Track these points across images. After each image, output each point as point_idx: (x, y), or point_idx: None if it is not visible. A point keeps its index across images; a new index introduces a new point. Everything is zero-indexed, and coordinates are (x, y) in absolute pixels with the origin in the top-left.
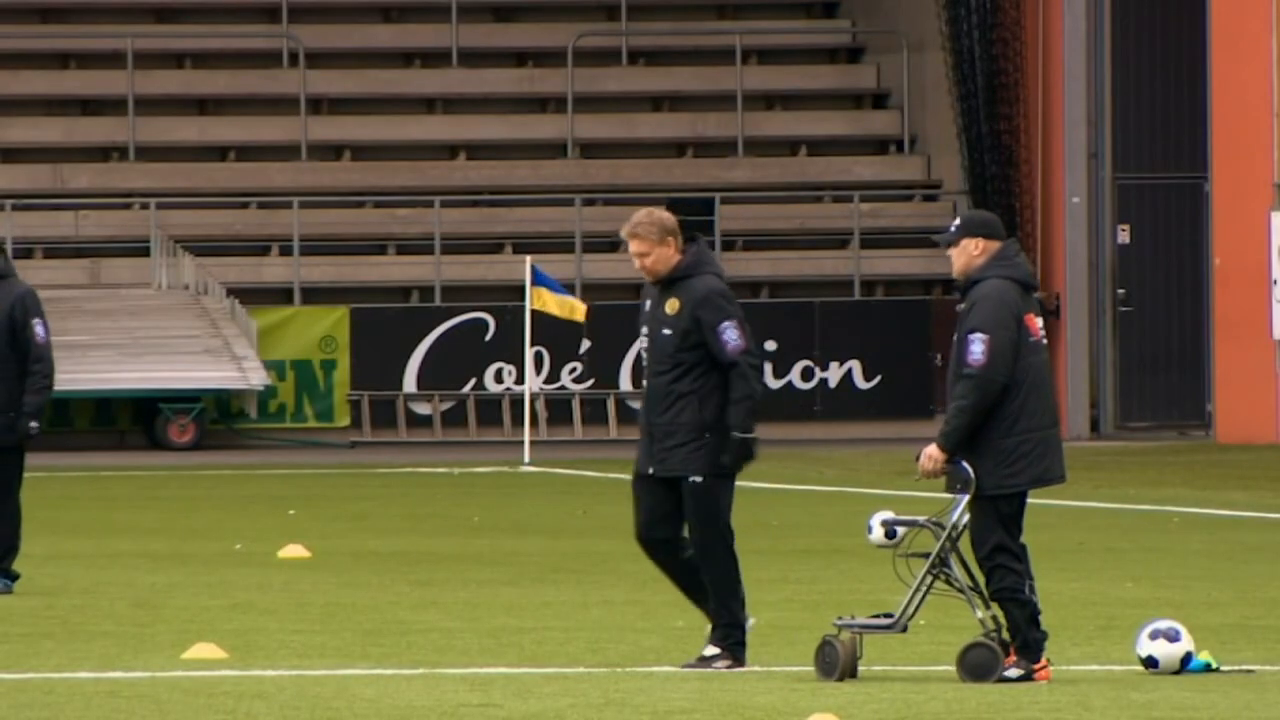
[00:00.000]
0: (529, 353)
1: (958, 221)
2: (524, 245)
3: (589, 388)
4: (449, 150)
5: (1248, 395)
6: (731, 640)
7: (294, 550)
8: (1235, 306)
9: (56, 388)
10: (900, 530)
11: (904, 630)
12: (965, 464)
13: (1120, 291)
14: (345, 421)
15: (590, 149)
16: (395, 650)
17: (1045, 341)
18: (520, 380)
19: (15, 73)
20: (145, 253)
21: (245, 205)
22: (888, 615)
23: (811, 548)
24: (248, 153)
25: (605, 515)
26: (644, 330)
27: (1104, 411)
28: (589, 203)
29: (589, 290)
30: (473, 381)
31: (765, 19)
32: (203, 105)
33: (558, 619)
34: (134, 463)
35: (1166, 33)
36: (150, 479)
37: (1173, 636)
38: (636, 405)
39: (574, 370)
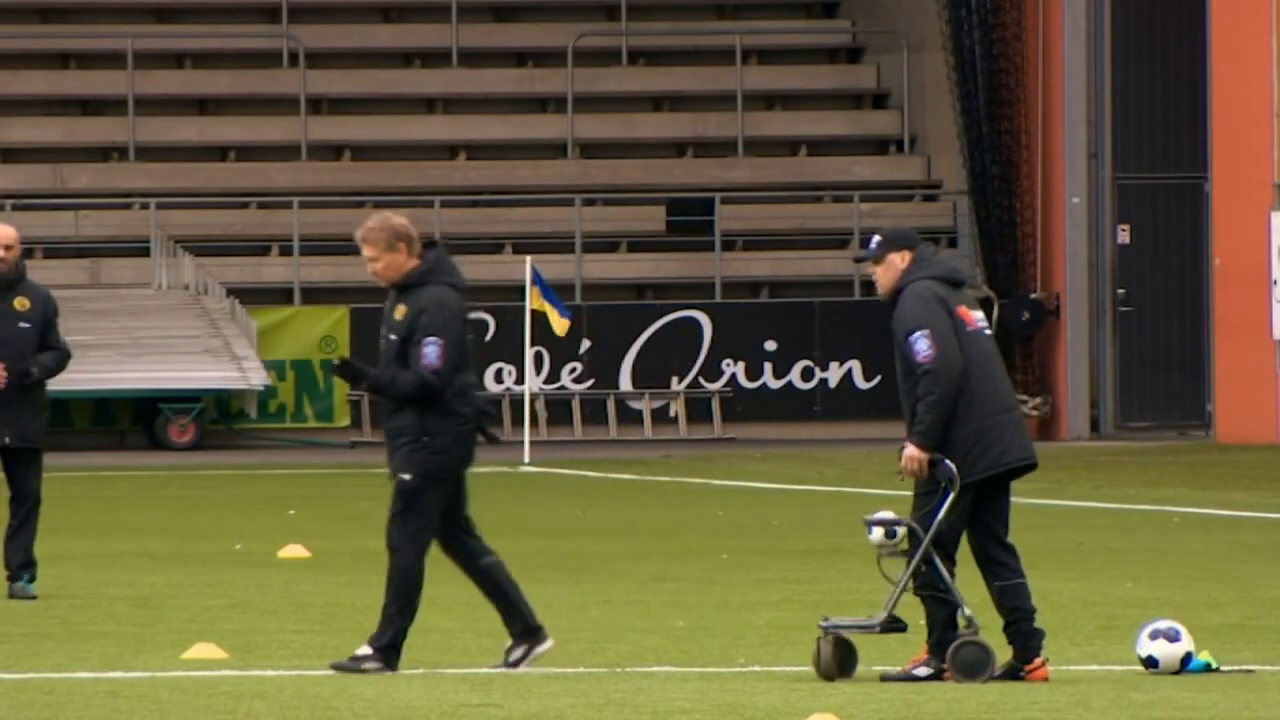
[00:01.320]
0: (529, 353)
1: (878, 238)
2: (524, 245)
3: (589, 388)
4: (449, 150)
5: (1248, 395)
6: (386, 643)
7: (294, 550)
8: (1235, 306)
9: (56, 387)
10: (900, 530)
11: (902, 630)
12: (948, 461)
13: (1120, 291)
14: (345, 421)
15: (590, 149)
16: None
17: (988, 330)
18: (520, 380)
19: (15, 73)
20: (145, 253)
21: (245, 205)
22: (894, 618)
23: (811, 548)
24: (248, 153)
25: (605, 515)
26: (382, 333)
27: (1104, 411)
28: (589, 203)
29: (589, 290)
30: None
31: (765, 19)
32: (203, 105)
33: (558, 619)
34: (134, 463)
35: (1166, 33)
36: (150, 479)
37: (1173, 636)
38: (637, 406)
39: (574, 370)
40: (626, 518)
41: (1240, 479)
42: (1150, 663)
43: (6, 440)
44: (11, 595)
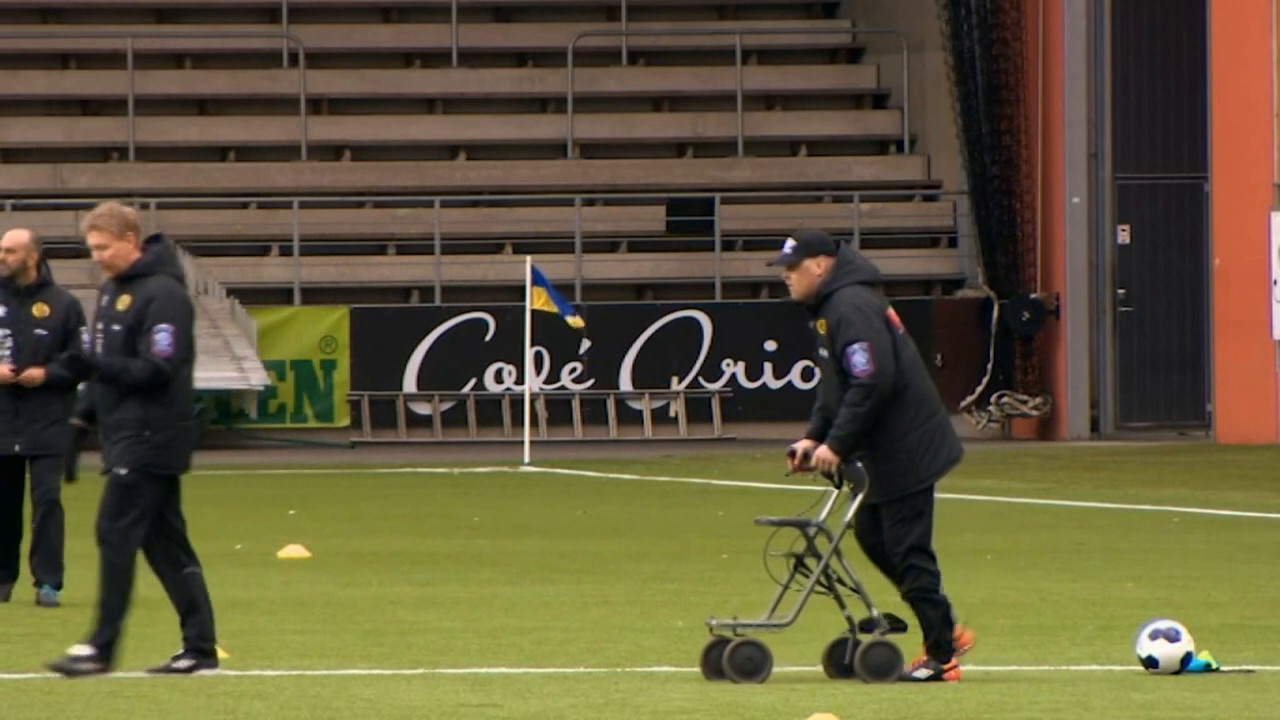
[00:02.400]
0: (529, 353)
1: (793, 243)
2: (524, 245)
3: (589, 388)
4: (449, 150)
5: (1248, 395)
6: (105, 641)
7: (294, 550)
8: (1235, 306)
9: None
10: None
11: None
12: (859, 465)
13: (1120, 291)
14: (345, 421)
15: (590, 149)
16: (395, 650)
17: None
18: (520, 380)
19: (15, 73)
20: None
21: (245, 205)
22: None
23: None
24: (248, 153)
25: (605, 515)
26: (98, 326)
27: (1104, 411)
28: (589, 203)
29: (589, 290)
30: (473, 381)
31: (765, 19)
32: (203, 105)
33: (558, 619)
34: None
35: (1166, 33)
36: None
37: (1173, 636)
38: (637, 406)
39: (574, 370)
40: (626, 518)
41: (1240, 479)
42: (1150, 663)
43: (17, 448)
44: (37, 602)
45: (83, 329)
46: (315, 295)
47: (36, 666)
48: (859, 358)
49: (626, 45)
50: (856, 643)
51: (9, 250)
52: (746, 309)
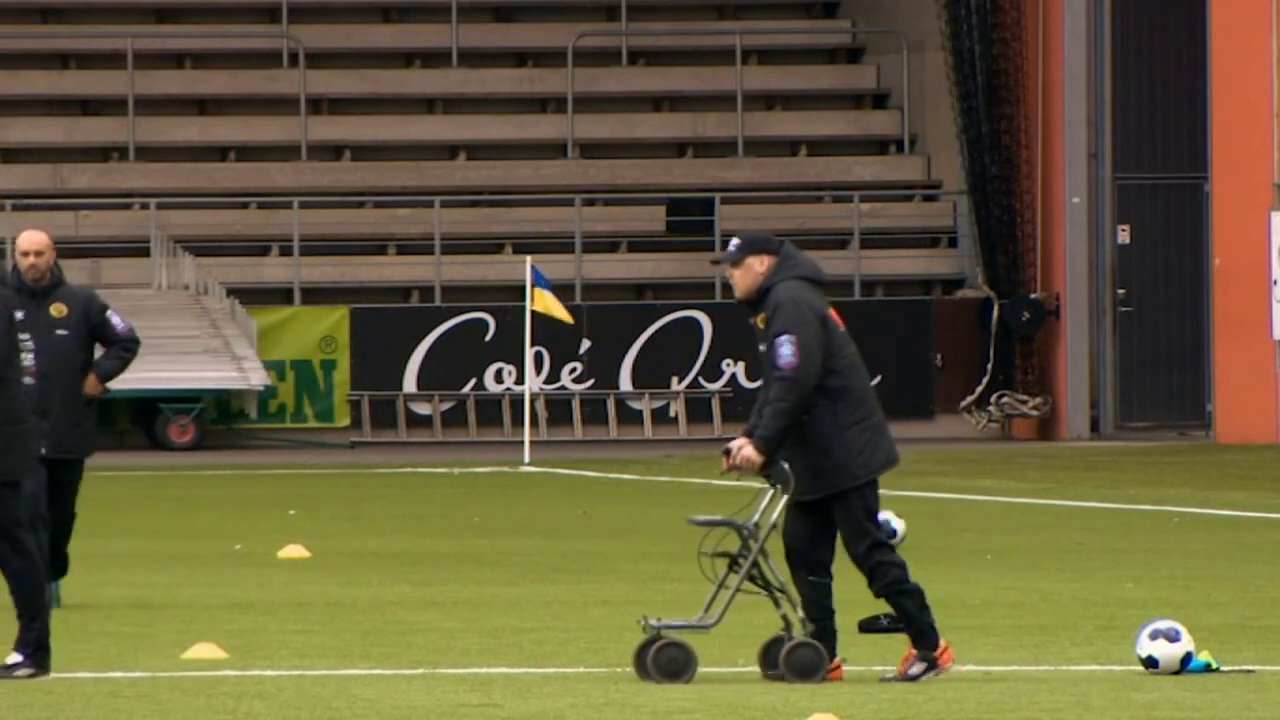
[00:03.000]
0: (529, 353)
1: (737, 241)
2: (524, 245)
3: (589, 388)
4: (449, 150)
5: (1248, 395)
6: (35, 645)
7: (294, 550)
8: (1235, 306)
9: None
10: (899, 528)
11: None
12: (784, 464)
13: (1120, 291)
14: (345, 421)
15: (590, 149)
16: (395, 650)
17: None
18: (520, 380)
19: (15, 73)
20: (145, 253)
21: (245, 205)
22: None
23: None
24: (248, 153)
25: (605, 515)
26: None
27: (1104, 411)
28: (589, 203)
29: (589, 290)
30: (473, 381)
31: (765, 19)
32: (203, 105)
33: (558, 619)
34: (134, 463)
35: (1166, 33)
36: (150, 479)
37: (1173, 636)
38: (637, 406)
39: (574, 370)
40: (626, 518)
41: (1240, 479)
42: (1150, 663)
43: (43, 451)
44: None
45: (109, 313)
46: (315, 295)
47: None
48: (784, 349)
49: (626, 45)
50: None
51: (38, 253)
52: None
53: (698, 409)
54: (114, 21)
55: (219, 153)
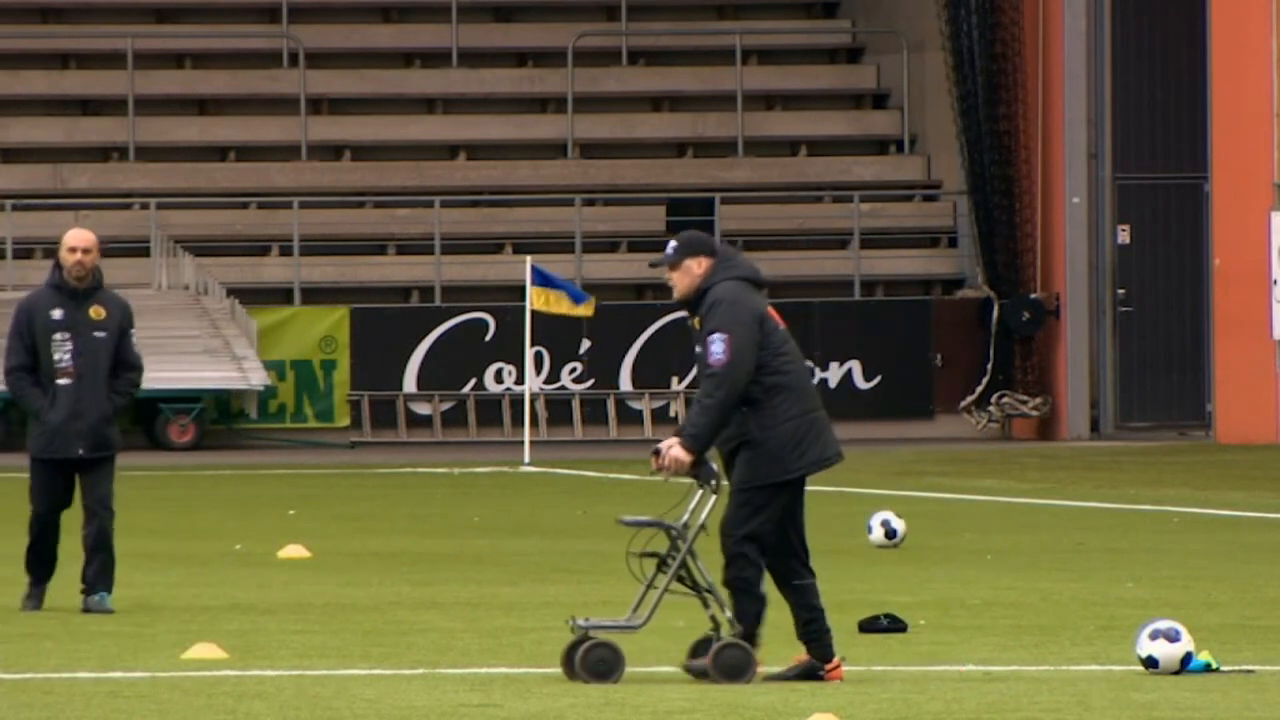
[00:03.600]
0: (529, 353)
1: (675, 243)
2: (524, 245)
3: (589, 388)
4: (449, 150)
5: (1248, 395)
6: None
7: (294, 550)
8: (1235, 306)
9: None
10: (900, 528)
11: (902, 630)
12: (712, 464)
13: (1120, 291)
14: (345, 421)
15: (590, 149)
16: (395, 650)
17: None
18: (520, 380)
19: (15, 73)
20: (145, 253)
21: (245, 205)
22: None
23: (811, 548)
24: (248, 153)
25: (605, 515)
26: None
27: (1104, 411)
28: (589, 203)
29: (589, 290)
30: (473, 381)
31: (765, 19)
32: (203, 105)
33: (558, 619)
34: (134, 463)
35: (1166, 33)
36: (150, 479)
37: (1173, 636)
38: (637, 406)
39: (574, 370)
40: None
41: (1240, 479)
42: (1150, 663)
43: (80, 452)
44: (85, 609)
45: (132, 331)
46: (315, 295)
47: (36, 666)
48: (716, 347)
49: (626, 45)
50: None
51: (85, 250)
52: None
53: None
54: (114, 21)
55: (219, 153)
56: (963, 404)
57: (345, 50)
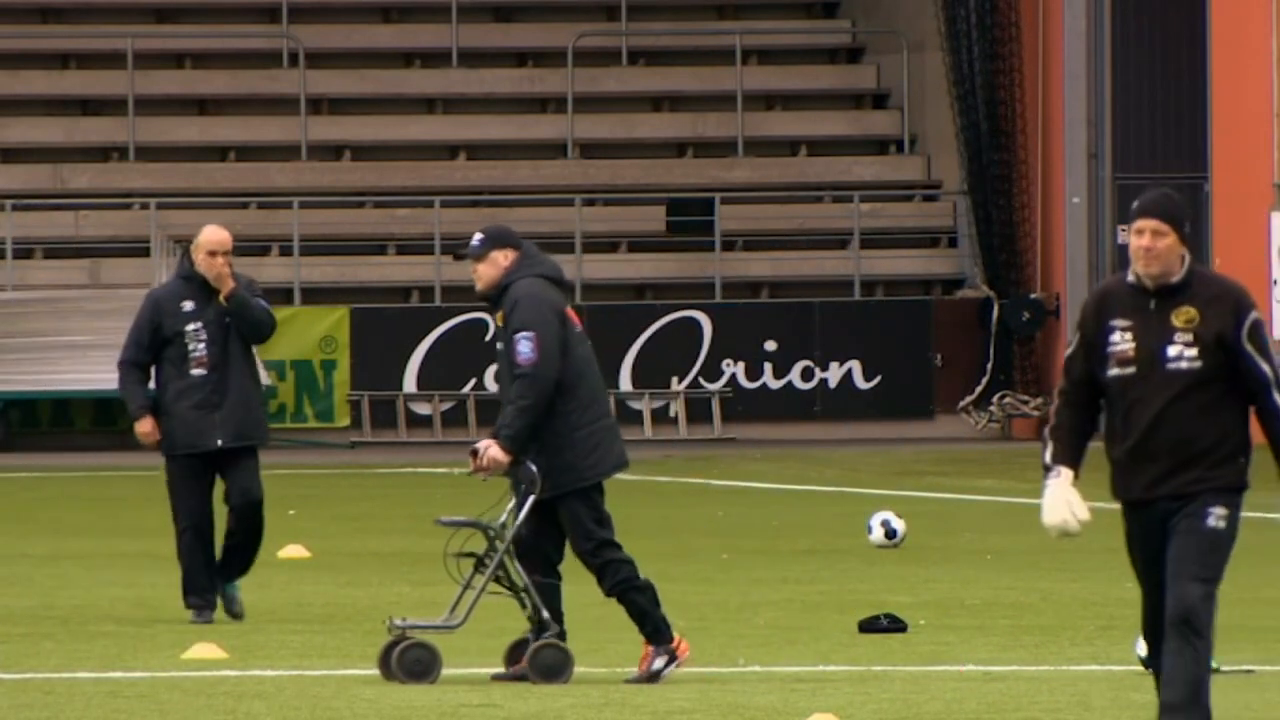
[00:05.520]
0: None
1: (481, 235)
2: None
3: None
4: (449, 150)
5: None
6: None
7: (294, 550)
8: None
9: (56, 387)
10: (900, 528)
11: (902, 630)
12: (531, 464)
13: None
14: (345, 421)
15: (590, 149)
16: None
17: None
18: None
19: (15, 73)
20: (145, 253)
21: (245, 205)
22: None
23: (811, 548)
24: (248, 153)
25: None
26: None
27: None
28: (589, 203)
29: (589, 290)
30: (473, 381)
31: (765, 19)
32: (203, 105)
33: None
34: (134, 463)
35: (1166, 33)
36: (150, 479)
37: None
38: (637, 406)
39: None
40: (626, 518)
41: None
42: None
43: (219, 442)
44: (231, 611)
45: (260, 295)
46: (315, 295)
47: (36, 666)
48: (524, 346)
49: (626, 45)
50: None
51: (225, 252)
52: (746, 309)
53: (698, 409)
54: (114, 21)
55: (219, 153)
56: (962, 404)
57: (345, 50)
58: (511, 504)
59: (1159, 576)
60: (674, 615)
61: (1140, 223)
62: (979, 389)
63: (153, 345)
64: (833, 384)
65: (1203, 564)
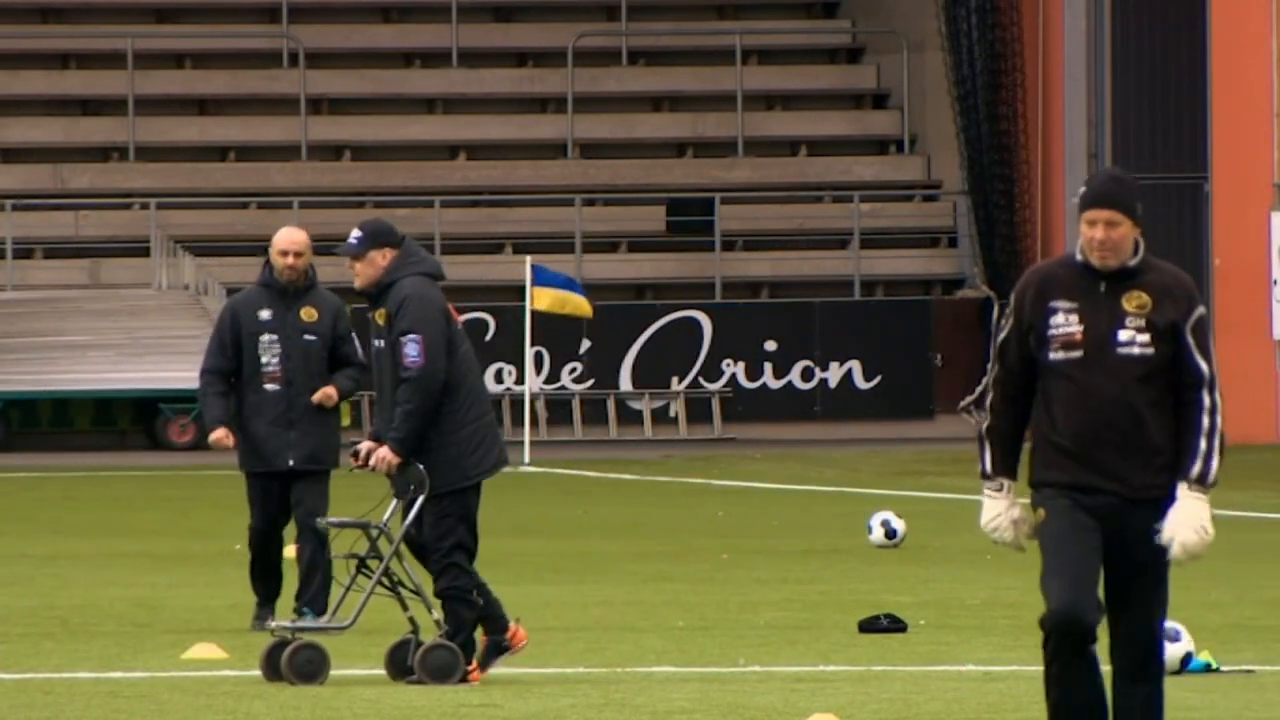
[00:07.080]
0: (529, 353)
1: (359, 233)
2: (524, 245)
3: (589, 388)
4: (449, 150)
5: (1247, 395)
6: None
7: (294, 550)
8: (1235, 306)
9: (56, 387)
10: (900, 529)
11: (902, 630)
12: (420, 465)
13: None
14: (345, 422)
15: (590, 149)
16: None
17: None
18: (520, 380)
19: (15, 73)
20: (145, 253)
21: (245, 205)
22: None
23: (811, 548)
24: (248, 153)
25: (605, 515)
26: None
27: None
28: (589, 203)
29: (589, 290)
30: None
31: (765, 19)
32: (203, 105)
33: (558, 619)
34: (134, 463)
35: (1166, 33)
36: (150, 479)
37: (1173, 636)
38: (637, 406)
39: (574, 370)
40: (626, 518)
41: (1240, 479)
42: None
43: (291, 463)
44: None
45: (353, 333)
46: None
47: (36, 666)
48: (410, 348)
49: (626, 45)
50: (419, 644)
51: (296, 254)
52: (746, 309)
53: (698, 409)
54: (114, 21)
55: (219, 153)
56: (962, 404)
57: (345, 50)
58: (394, 504)
59: (1078, 549)
60: (674, 615)
61: (1092, 213)
62: (979, 389)
63: (234, 352)
64: (833, 384)
65: (1158, 599)
